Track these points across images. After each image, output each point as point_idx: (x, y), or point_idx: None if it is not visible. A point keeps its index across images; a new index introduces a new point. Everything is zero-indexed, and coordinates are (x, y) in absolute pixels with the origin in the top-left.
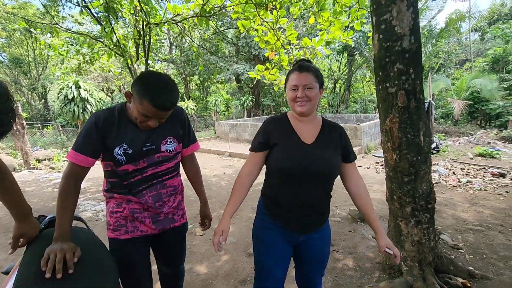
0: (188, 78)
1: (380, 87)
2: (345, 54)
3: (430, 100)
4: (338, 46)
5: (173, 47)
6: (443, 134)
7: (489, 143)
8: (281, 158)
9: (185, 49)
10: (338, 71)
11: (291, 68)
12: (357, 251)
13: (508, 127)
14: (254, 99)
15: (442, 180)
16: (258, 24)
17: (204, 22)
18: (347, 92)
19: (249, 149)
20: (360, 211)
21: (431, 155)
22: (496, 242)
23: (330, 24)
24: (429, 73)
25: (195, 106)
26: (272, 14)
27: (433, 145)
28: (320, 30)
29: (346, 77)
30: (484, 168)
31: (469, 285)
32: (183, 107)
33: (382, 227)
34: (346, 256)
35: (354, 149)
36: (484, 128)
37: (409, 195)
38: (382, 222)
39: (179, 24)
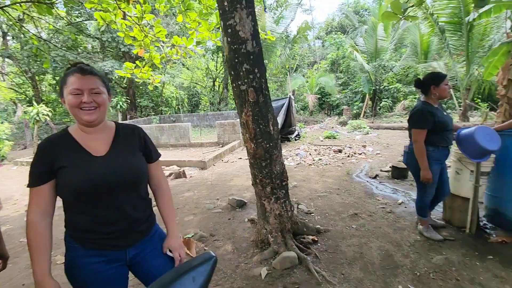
0: (37, 77)
1: (234, 85)
2: (220, 54)
3: (290, 95)
4: (212, 46)
5: (9, 37)
6: (303, 123)
7: (333, 127)
8: (70, 182)
9: (26, 41)
10: (215, 70)
11: (67, 70)
12: (235, 235)
13: (343, 114)
14: (129, 100)
15: (302, 161)
16: (120, 18)
17: (45, 10)
18: (225, 90)
19: (28, 186)
20: (159, 211)
21: (295, 142)
22: (334, 202)
23: (199, 24)
24: (288, 73)
25: (51, 111)
26: (136, 8)
27: (296, 133)
28: (190, 30)
29: (223, 75)
30: (329, 147)
31: (316, 239)
32: (32, 113)
33: (176, 229)
34: (225, 242)
35: (233, 143)
36: (329, 116)
37: (268, 176)
38: (251, 204)
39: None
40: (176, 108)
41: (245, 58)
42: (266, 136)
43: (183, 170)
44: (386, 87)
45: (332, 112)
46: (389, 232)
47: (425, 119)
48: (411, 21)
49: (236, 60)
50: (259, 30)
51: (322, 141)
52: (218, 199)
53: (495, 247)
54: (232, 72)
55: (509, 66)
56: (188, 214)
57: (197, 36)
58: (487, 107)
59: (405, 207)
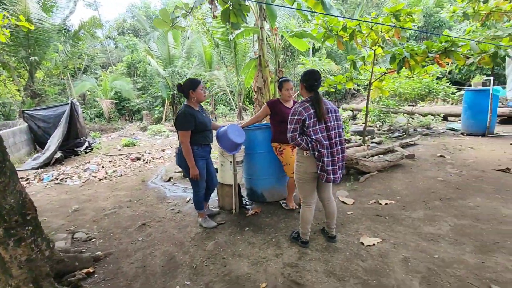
0: None
1: None
2: None
3: (72, 101)
4: None
5: None
6: (99, 132)
7: (134, 134)
8: None
9: None
10: None
11: None
12: None
13: (143, 119)
14: None
15: (92, 176)
16: None
17: None
18: None
19: None
20: None
21: (85, 155)
22: (123, 217)
23: None
24: (74, 74)
25: None
26: None
27: (85, 145)
28: None
29: None
30: (127, 155)
31: (92, 270)
32: None
33: None
34: None
35: None
36: (131, 122)
37: None
38: None
39: None
40: None
41: None
42: None
43: None
44: None
45: (133, 118)
46: (174, 234)
47: (188, 121)
48: (181, 31)
49: None
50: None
51: (120, 150)
52: None
53: (251, 219)
54: None
55: (256, 77)
56: None
57: None
58: (253, 108)
59: (192, 204)
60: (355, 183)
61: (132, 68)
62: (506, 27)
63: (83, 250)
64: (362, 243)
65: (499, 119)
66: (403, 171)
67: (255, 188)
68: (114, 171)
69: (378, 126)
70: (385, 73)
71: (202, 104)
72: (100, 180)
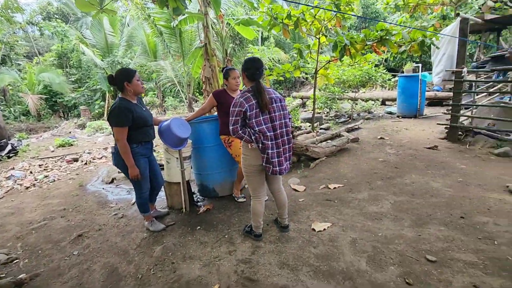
0: None
1: None
2: None
3: None
4: None
5: None
6: (26, 133)
7: (70, 132)
8: None
9: None
10: None
11: None
12: None
13: (81, 115)
14: None
15: (17, 185)
16: None
17: None
18: None
19: None
20: None
21: (8, 160)
22: (55, 230)
23: None
24: None
25: None
26: None
27: (8, 149)
28: None
29: None
30: (62, 157)
31: None
32: None
33: None
34: None
35: None
36: (66, 119)
37: None
38: None
39: None
40: None
41: None
42: None
43: None
44: None
45: (69, 115)
46: (116, 242)
47: (124, 116)
48: (112, 16)
49: None
50: None
51: (53, 151)
52: None
53: (203, 216)
54: None
55: (204, 66)
56: None
57: None
58: (204, 99)
59: None
60: (306, 169)
61: (64, 58)
62: (430, 18)
63: (1, 276)
64: (314, 229)
65: (427, 102)
66: (349, 154)
67: (206, 184)
68: (46, 176)
69: (326, 112)
70: (329, 61)
71: (141, 96)
72: (27, 188)
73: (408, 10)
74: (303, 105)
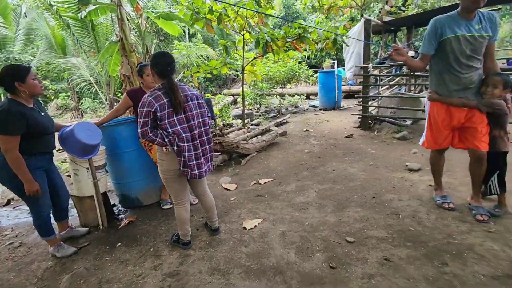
0: None
1: None
2: None
3: None
4: None
5: None
6: None
7: None
8: None
9: None
10: None
11: None
12: None
13: None
14: None
15: None
16: None
17: None
18: None
19: None
20: None
21: None
22: None
23: None
24: None
25: None
26: None
27: None
28: None
29: None
30: None
31: None
32: None
33: None
34: None
35: None
36: None
37: None
38: None
39: None
40: None
41: None
42: None
43: None
44: None
45: None
46: (9, 279)
47: (14, 123)
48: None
49: None
50: None
51: None
52: None
53: (124, 231)
54: None
55: (122, 63)
56: None
57: None
58: None
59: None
60: (237, 167)
61: None
62: (342, 19)
63: None
64: (245, 228)
65: (344, 95)
66: (278, 148)
67: (128, 193)
68: None
69: (256, 108)
70: (255, 57)
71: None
72: None
73: (323, 11)
74: (235, 102)
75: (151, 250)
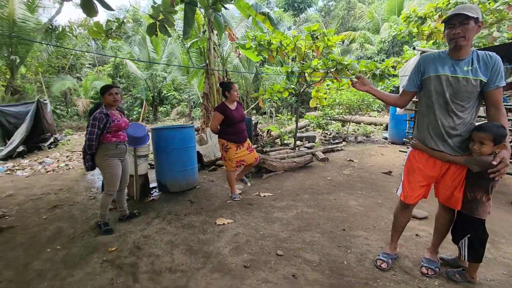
0: None
1: None
2: None
3: (39, 99)
4: None
5: None
6: (73, 130)
7: None
8: None
9: None
10: None
11: None
12: None
13: None
14: None
15: (43, 169)
16: None
17: None
18: None
19: None
20: None
21: (48, 150)
22: (46, 200)
23: None
24: (41, 73)
25: None
26: None
27: (50, 141)
28: None
29: None
30: None
31: None
32: None
33: None
34: None
35: None
36: None
37: None
38: None
39: None
40: None
41: None
42: None
43: None
44: (165, 95)
45: None
46: (75, 213)
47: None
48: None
49: None
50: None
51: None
52: None
53: (145, 204)
54: None
55: (204, 84)
56: None
57: None
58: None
59: None
60: (257, 179)
61: (117, 69)
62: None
63: None
64: (215, 223)
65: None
66: (306, 171)
67: (161, 180)
68: (66, 164)
69: (324, 134)
70: (313, 82)
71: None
72: (47, 172)
73: (423, 38)
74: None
75: (148, 219)
